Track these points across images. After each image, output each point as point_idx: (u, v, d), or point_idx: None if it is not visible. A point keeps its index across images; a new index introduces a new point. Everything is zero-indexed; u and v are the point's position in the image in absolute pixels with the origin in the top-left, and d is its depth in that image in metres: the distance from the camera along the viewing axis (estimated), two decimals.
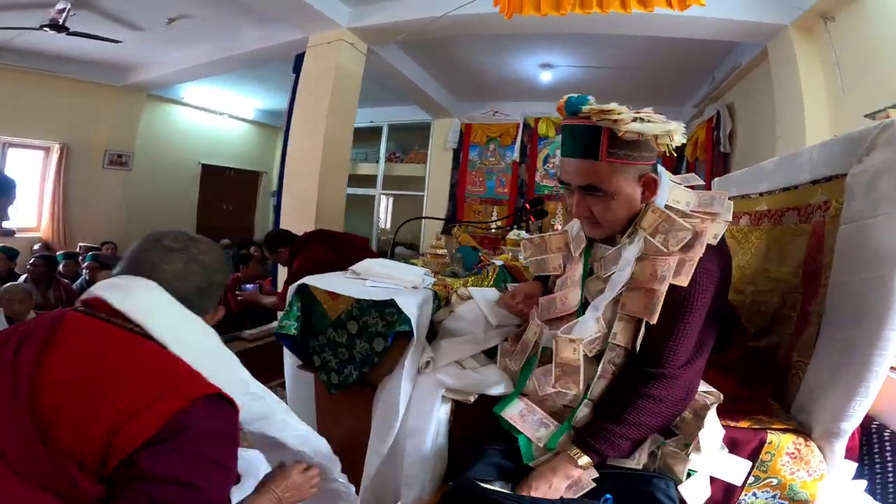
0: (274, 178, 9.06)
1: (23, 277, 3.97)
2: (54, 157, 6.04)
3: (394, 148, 7.61)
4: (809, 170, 1.22)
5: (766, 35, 3.27)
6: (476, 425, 1.06)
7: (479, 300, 1.31)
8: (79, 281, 4.44)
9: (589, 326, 0.98)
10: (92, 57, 5.58)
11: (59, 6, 3.86)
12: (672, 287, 0.92)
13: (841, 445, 1.03)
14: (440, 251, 1.54)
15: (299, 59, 4.29)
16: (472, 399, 1.05)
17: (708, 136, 4.58)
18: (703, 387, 1.04)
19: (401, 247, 7.14)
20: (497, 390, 1.04)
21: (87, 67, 5.89)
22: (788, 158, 1.36)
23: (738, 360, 1.27)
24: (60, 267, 4.49)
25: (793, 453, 1.01)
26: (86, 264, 4.57)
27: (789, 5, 2.96)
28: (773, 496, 1.01)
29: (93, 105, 6.28)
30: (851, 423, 1.00)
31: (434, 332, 1.25)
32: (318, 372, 1.25)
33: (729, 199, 1.14)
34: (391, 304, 1.11)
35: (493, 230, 6.23)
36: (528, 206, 1.65)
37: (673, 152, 1.00)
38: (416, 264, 1.54)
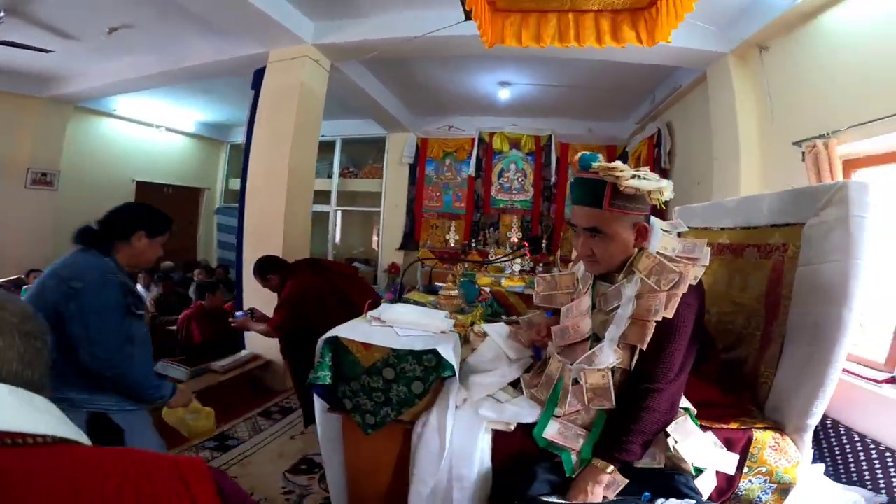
0: (217, 194, 8.68)
1: None
2: None
3: (346, 162, 7.54)
4: (769, 214, 1.46)
5: (707, 61, 3.60)
6: (514, 448, 1.21)
7: (496, 337, 1.44)
8: None
9: (609, 356, 1.17)
10: (15, 67, 5.12)
11: None
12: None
13: (809, 437, 1.29)
14: (452, 292, 1.64)
15: (258, 75, 4.16)
16: (512, 427, 1.19)
17: (650, 153, 4.99)
18: (683, 403, 1.26)
19: (356, 262, 7.12)
20: (533, 418, 1.20)
21: (10, 79, 5.39)
22: (748, 201, 1.60)
23: (714, 372, 1.52)
24: None
25: (773, 446, 1.26)
26: None
27: (730, 35, 3.28)
28: (765, 481, 1.24)
29: (13, 118, 5.70)
30: (815, 419, 1.26)
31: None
32: (349, 414, 1.31)
33: (689, 228, 1.39)
34: (429, 351, 1.21)
35: (452, 245, 6.40)
36: (526, 243, 1.86)
37: (663, 206, 1.22)
38: (423, 304, 1.63)
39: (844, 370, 1.69)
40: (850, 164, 2.46)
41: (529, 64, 4.62)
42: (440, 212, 6.76)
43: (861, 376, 1.78)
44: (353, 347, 1.29)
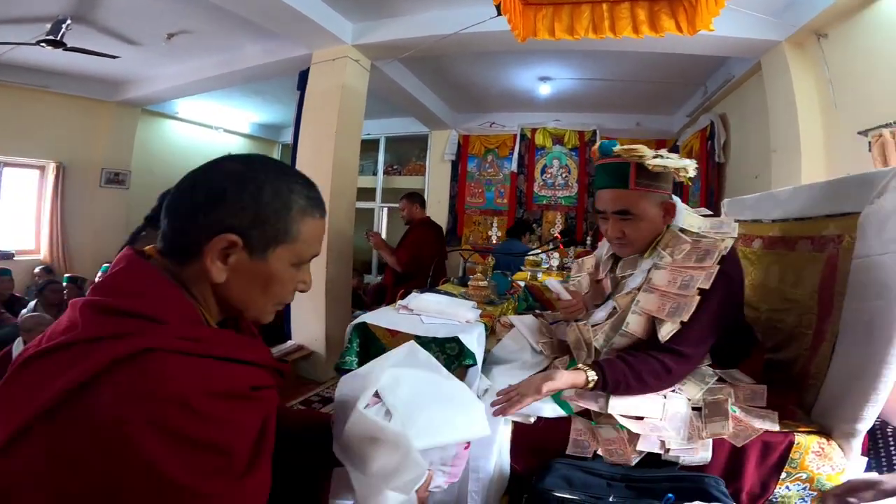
0: None
1: (33, 303, 3.97)
2: (50, 176, 5.89)
3: (391, 160, 7.67)
4: (823, 204, 1.36)
5: (760, 50, 3.40)
6: (535, 442, 1.18)
7: (522, 328, 1.43)
8: None
9: (599, 316, 1.26)
10: (85, 72, 5.48)
11: (58, 21, 3.75)
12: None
13: (857, 443, 1.18)
14: (482, 283, 1.64)
15: (303, 76, 4.31)
16: (532, 420, 1.16)
17: (702, 146, 4.74)
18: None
19: None
20: (553, 412, 1.16)
21: (81, 83, 5.78)
22: (802, 191, 1.50)
23: (759, 371, 1.43)
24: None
25: (818, 451, 1.16)
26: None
27: (784, 22, 3.08)
28: (804, 488, 1.16)
29: (88, 122, 6.17)
30: (865, 424, 1.16)
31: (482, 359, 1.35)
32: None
33: (738, 221, 1.37)
34: (452, 339, 1.22)
35: (494, 241, 6.37)
36: (559, 235, 1.85)
37: (688, 181, 1.25)
38: (455, 295, 1.64)
39: None
40: None
41: (570, 58, 4.50)
42: (482, 208, 6.74)
43: None
44: (380, 334, 1.33)
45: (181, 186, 0.67)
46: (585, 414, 1.16)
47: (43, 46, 3.87)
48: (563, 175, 6.39)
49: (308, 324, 4.05)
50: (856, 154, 2.52)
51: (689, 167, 1.20)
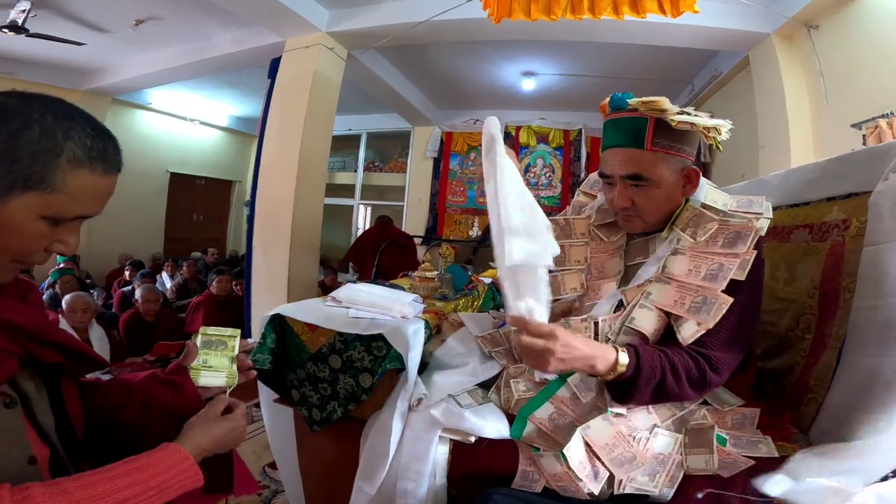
0: (248, 187, 8.80)
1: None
2: None
3: (372, 156, 7.47)
4: (822, 186, 1.16)
5: (749, 44, 3.28)
6: (478, 466, 0.95)
7: (473, 328, 1.20)
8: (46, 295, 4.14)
9: (603, 309, 0.98)
10: (52, 59, 5.32)
11: (21, 6, 3.68)
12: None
13: None
14: (429, 274, 1.42)
15: (275, 64, 4.17)
16: (472, 439, 0.94)
17: None
18: None
19: None
20: (496, 434, 0.93)
21: (48, 70, 5.60)
22: (796, 173, 1.30)
23: (749, 387, 1.21)
24: None
25: None
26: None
27: (773, 13, 2.95)
28: None
29: None
30: None
31: (424, 364, 1.13)
32: (297, 407, 1.13)
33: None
34: (379, 337, 1.00)
35: (473, 241, 6.17)
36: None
37: (719, 147, 1.03)
38: (403, 288, 1.41)
39: None
40: None
41: (554, 52, 4.39)
42: (464, 207, 6.56)
43: None
44: (298, 328, 1.11)
45: None
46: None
47: (5, 32, 3.81)
48: (547, 174, 6.22)
49: None
50: (848, 147, 2.34)
51: (723, 127, 0.98)
